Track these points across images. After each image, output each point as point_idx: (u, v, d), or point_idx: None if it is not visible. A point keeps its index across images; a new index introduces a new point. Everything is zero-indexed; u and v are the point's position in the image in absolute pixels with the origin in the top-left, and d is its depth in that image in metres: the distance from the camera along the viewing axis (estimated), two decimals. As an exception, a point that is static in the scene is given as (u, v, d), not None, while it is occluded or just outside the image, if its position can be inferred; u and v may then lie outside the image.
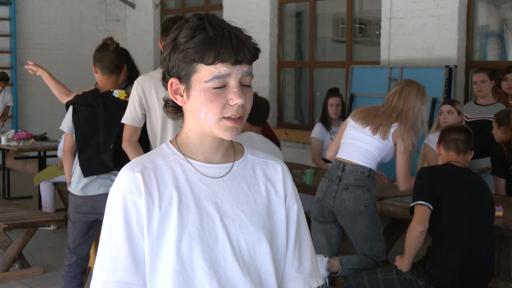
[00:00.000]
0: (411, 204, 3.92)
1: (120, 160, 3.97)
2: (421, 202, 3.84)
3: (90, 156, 4.11)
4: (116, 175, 4.03)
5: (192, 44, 1.53)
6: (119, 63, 4.19)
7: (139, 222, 1.56)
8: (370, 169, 4.35)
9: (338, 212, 4.39)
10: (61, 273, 5.16)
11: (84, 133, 4.16)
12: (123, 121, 4.01)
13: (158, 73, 4.02)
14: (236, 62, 1.53)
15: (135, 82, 3.99)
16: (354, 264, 4.41)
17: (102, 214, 4.39)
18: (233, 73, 1.54)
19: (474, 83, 6.14)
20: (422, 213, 3.83)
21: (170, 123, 3.99)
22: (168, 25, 4.01)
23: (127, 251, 1.55)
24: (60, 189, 7.48)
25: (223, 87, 1.54)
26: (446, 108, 5.49)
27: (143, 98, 3.95)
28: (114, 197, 1.59)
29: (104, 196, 4.01)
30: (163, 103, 1.67)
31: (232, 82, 1.54)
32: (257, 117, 4.60)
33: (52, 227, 6.92)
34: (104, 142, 4.06)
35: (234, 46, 1.52)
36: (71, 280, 4.28)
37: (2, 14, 11.00)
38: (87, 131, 4.14)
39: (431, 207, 3.84)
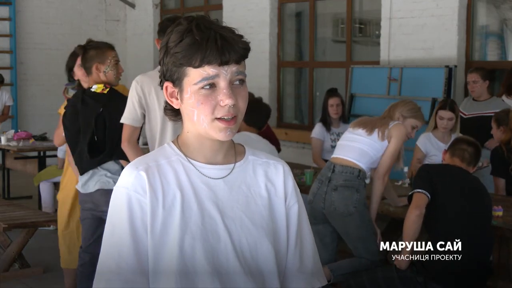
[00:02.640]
0: (410, 193, 4.03)
1: (96, 151, 4.08)
2: (418, 190, 3.95)
3: (81, 154, 4.18)
4: (110, 171, 4.11)
5: (180, 48, 1.55)
6: (85, 63, 4.26)
7: (144, 221, 1.56)
8: (359, 170, 4.38)
9: (328, 213, 4.42)
10: (61, 273, 5.17)
11: (71, 133, 4.26)
12: (122, 121, 4.03)
13: (156, 72, 4.07)
14: (222, 63, 1.53)
15: (134, 82, 4.02)
16: (347, 269, 4.40)
17: (103, 211, 4.42)
18: (221, 74, 1.54)
19: (468, 83, 6.26)
20: (419, 199, 3.94)
21: (169, 123, 3.96)
22: (167, 24, 4.04)
23: (131, 250, 1.55)
24: (60, 189, 7.48)
25: (213, 88, 1.55)
26: (447, 115, 5.35)
27: (143, 97, 3.97)
28: (118, 196, 1.59)
29: (100, 192, 4.12)
30: (164, 104, 1.69)
31: (222, 83, 1.55)
32: (254, 119, 4.72)
33: (52, 227, 6.89)
34: (84, 136, 4.13)
35: (219, 48, 1.52)
36: (85, 280, 4.30)
37: (2, 14, 11.00)
38: (73, 130, 4.23)
39: (429, 196, 3.93)
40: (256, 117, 4.77)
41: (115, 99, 4.15)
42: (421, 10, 7.46)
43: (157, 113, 3.99)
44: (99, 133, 4.08)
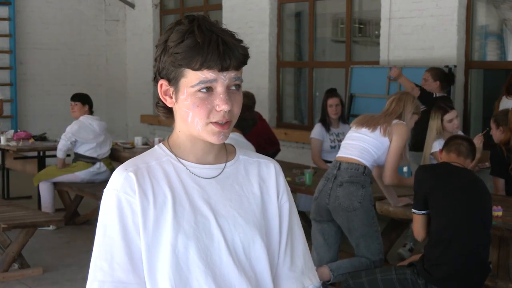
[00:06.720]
0: (412, 211, 4.12)
1: None
2: (414, 211, 4.06)
3: None
4: None
5: (180, 49, 1.54)
6: None
7: (135, 221, 1.56)
8: (365, 167, 4.45)
9: (333, 208, 4.46)
10: (61, 273, 5.17)
11: None
12: None
13: None
14: (222, 69, 1.54)
15: None
16: (346, 269, 4.42)
17: None
18: (219, 79, 1.54)
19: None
20: (418, 223, 4.05)
21: None
22: None
23: (123, 251, 1.55)
24: (60, 189, 7.47)
25: (210, 92, 1.55)
26: (454, 114, 5.36)
27: None
28: (108, 197, 1.59)
29: None
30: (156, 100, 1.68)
31: (219, 88, 1.55)
32: (240, 125, 4.90)
33: (51, 227, 6.92)
34: None
35: (221, 53, 1.52)
36: None
37: (2, 14, 10.99)
38: None
39: (426, 212, 4.00)
40: (241, 123, 4.94)
41: None
42: (420, 10, 7.46)
43: None
44: None
